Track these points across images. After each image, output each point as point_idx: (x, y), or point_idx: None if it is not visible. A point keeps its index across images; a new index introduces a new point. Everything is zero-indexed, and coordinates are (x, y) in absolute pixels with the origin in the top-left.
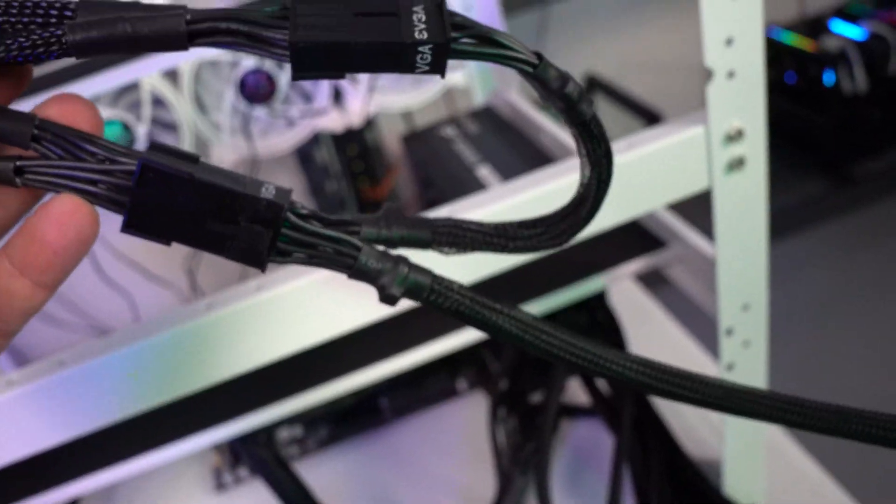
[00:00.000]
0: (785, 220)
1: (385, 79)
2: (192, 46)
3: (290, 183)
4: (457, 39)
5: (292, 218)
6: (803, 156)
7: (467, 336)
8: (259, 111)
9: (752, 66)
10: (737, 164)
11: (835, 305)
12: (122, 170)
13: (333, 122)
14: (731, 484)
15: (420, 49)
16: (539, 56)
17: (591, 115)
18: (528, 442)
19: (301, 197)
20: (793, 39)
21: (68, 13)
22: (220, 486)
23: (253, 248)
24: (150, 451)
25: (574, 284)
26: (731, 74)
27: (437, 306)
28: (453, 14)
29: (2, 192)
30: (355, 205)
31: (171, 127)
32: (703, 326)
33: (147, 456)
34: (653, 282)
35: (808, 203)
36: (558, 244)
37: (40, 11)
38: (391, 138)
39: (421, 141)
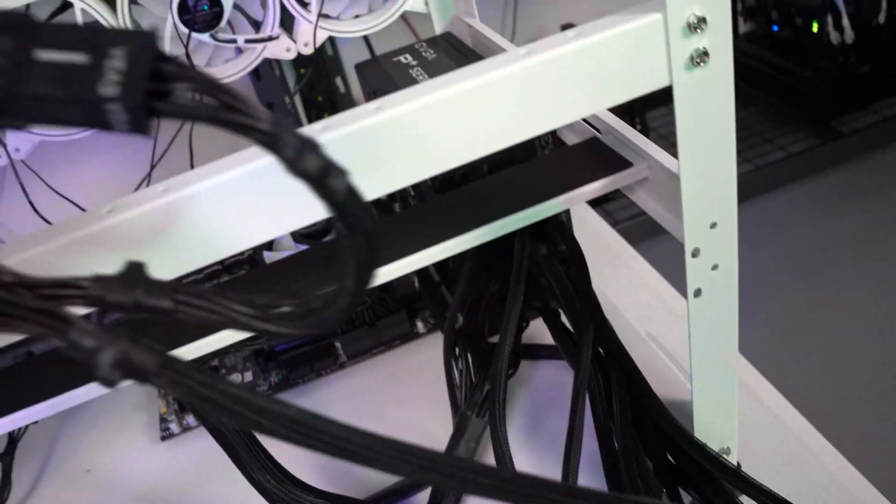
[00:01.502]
0: (770, 175)
1: (337, 4)
2: None
3: None
4: (164, 95)
5: None
6: (789, 109)
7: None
8: (203, 37)
9: None
10: (700, 58)
11: (821, 261)
12: None
13: (283, 49)
14: (700, 427)
15: (108, 107)
16: (277, 123)
17: (343, 193)
18: (486, 382)
19: None
20: None
21: None
22: (166, 434)
23: None
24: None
25: (531, 207)
26: None
27: (170, 389)
28: (165, 59)
29: None
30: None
31: None
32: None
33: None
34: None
35: (793, 158)
36: (315, 331)
37: None
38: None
39: (375, 68)
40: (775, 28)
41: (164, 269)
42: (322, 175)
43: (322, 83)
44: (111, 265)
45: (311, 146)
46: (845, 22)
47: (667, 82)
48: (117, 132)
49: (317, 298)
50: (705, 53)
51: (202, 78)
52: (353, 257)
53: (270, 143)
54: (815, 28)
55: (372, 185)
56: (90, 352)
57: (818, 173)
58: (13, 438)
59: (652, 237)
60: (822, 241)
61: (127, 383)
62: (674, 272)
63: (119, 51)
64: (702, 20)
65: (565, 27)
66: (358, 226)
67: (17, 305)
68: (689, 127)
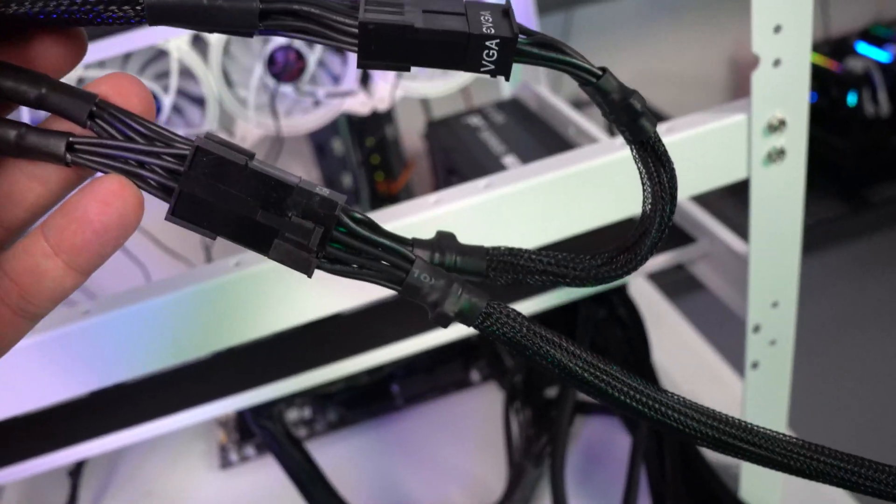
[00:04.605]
0: None
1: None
2: (261, 29)
3: (305, 174)
4: (523, 41)
5: (346, 220)
6: (820, 177)
7: None
8: (286, 89)
9: (798, 55)
10: (777, 155)
11: (846, 329)
12: (174, 153)
13: (360, 104)
14: (747, 488)
15: (487, 43)
16: (603, 69)
17: (653, 132)
18: (542, 435)
19: None
20: (817, 60)
21: None
22: (225, 463)
23: (300, 248)
24: (160, 418)
25: None
26: (777, 63)
27: (491, 332)
28: (519, 24)
29: (47, 169)
30: (369, 199)
31: (197, 100)
32: (716, 331)
33: (158, 422)
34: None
35: (822, 225)
36: (617, 276)
37: None
38: (410, 132)
39: (445, 128)
40: (813, 98)
41: None
42: (641, 112)
43: (373, 127)
44: None
45: (633, 91)
46: (881, 96)
47: (744, 176)
48: (482, 72)
49: (617, 248)
50: (782, 151)
51: (539, 32)
52: (657, 197)
53: (600, 86)
54: (851, 100)
55: None
56: (430, 289)
57: (846, 241)
58: (76, 463)
59: (687, 293)
60: (846, 309)
61: None
62: (708, 330)
63: (486, 11)
64: (782, 122)
65: None
66: (666, 164)
67: (368, 241)
68: (761, 216)
